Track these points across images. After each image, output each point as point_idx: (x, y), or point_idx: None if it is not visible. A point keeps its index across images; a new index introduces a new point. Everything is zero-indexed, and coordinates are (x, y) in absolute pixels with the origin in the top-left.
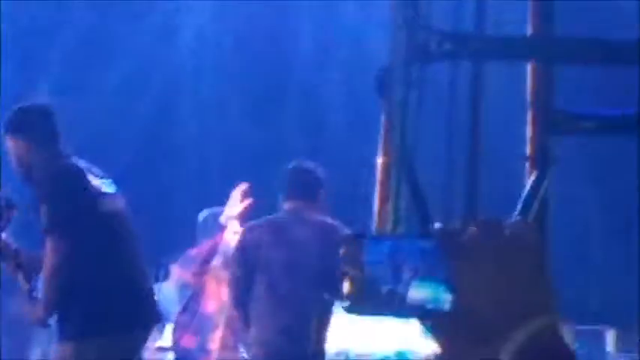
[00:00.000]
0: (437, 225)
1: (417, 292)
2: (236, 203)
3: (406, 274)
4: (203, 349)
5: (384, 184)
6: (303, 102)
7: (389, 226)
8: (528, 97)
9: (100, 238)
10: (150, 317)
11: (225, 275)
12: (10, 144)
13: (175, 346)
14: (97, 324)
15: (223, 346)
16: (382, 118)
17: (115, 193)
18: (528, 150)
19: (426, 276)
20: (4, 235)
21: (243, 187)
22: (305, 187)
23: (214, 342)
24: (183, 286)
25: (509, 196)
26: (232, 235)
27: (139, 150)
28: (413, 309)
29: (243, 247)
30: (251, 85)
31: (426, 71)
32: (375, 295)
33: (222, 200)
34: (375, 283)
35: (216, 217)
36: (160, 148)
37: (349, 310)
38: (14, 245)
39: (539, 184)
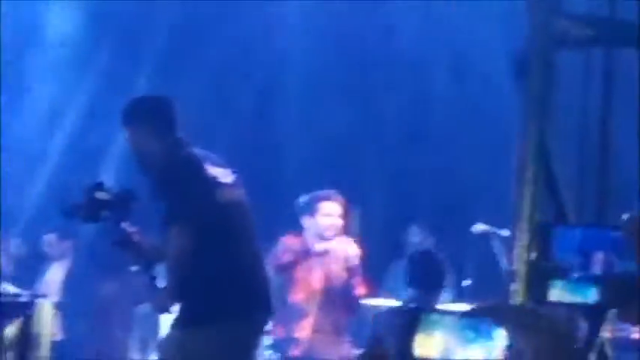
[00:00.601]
0: (625, 216)
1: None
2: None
3: (596, 263)
4: (290, 338)
5: (522, 171)
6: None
7: (525, 214)
8: None
9: (219, 228)
10: (265, 307)
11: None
12: (129, 134)
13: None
14: (213, 312)
15: (315, 332)
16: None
17: (234, 182)
18: None
19: (616, 264)
20: (125, 224)
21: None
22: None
23: (303, 329)
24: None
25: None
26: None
27: (237, 140)
28: (602, 296)
29: None
30: (351, 76)
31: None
32: (564, 282)
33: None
34: (565, 271)
35: (313, 199)
36: (259, 138)
37: (535, 296)
38: (136, 235)
39: None
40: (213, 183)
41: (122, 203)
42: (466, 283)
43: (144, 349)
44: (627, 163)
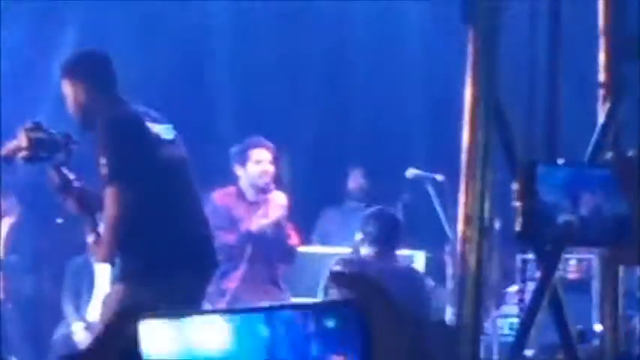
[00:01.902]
0: (611, 154)
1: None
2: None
3: (585, 205)
4: (219, 290)
5: (474, 115)
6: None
7: (478, 156)
8: (600, 24)
9: (160, 186)
10: (207, 263)
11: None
12: (68, 88)
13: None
14: (155, 266)
15: (245, 282)
16: (469, 48)
17: (174, 139)
18: (602, 77)
19: (606, 205)
20: (65, 169)
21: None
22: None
23: (232, 281)
24: None
25: (587, 125)
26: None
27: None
28: (592, 239)
29: None
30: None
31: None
32: (549, 224)
33: None
34: (551, 213)
35: (243, 148)
36: None
37: (520, 238)
38: (76, 182)
39: (615, 112)
40: (154, 140)
41: (61, 145)
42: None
43: (77, 302)
44: (575, 107)
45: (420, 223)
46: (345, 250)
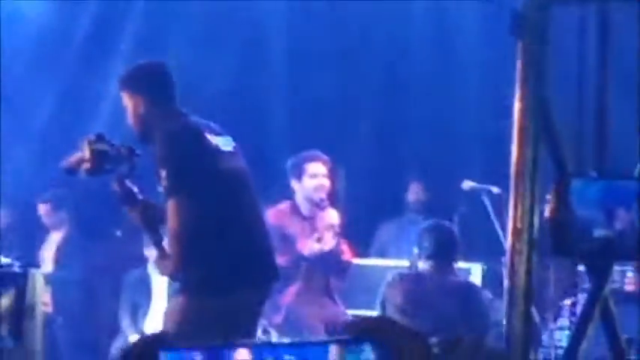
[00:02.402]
0: None
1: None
2: None
3: (621, 219)
4: (274, 305)
5: (522, 129)
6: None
7: (527, 170)
8: None
9: (221, 198)
10: (270, 275)
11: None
12: (127, 100)
13: None
14: (218, 281)
15: (300, 296)
16: (518, 63)
17: (234, 151)
18: None
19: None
20: (129, 182)
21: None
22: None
23: (287, 296)
24: None
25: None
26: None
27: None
28: (629, 253)
29: None
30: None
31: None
32: (585, 239)
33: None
34: (587, 227)
35: (298, 161)
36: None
37: (555, 252)
38: (140, 194)
39: None
40: (215, 152)
41: (125, 157)
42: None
43: (134, 315)
44: (625, 121)
45: (477, 236)
46: (401, 263)
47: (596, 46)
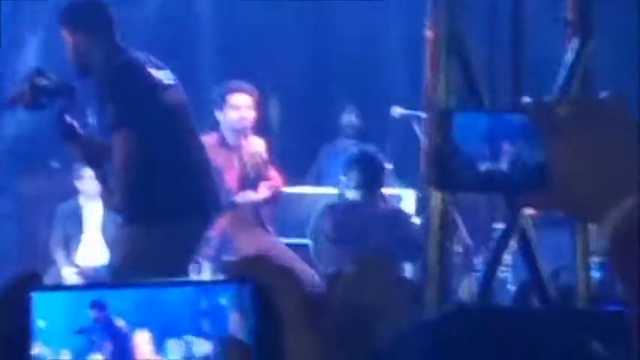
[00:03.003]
0: (528, 99)
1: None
2: None
3: (506, 152)
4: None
5: (435, 57)
6: None
7: (441, 98)
8: None
9: (165, 131)
10: (213, 204)
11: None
12: (67, 37)
13: None
14: (165, 210)
15: (232, 226)
16: None
17: (175, 84)
18: (569, 15)
19: (526, 152)
20: (68, 117)
21: None
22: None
23: (218, 226)
24: None
25: (552, 64)
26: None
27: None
28: (512, 186)
29: None
30: None
31: None
32: (470, 172)
33: None
34: (471, 161)
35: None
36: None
37: (439, 186)
38: (83, 131)
39: (582, 51)
40: (157, 85)
41: (64, 92)
42: (389, 166)
43: (67, 247)
44: (542, 37)
45: (410, 162)
46: (331, 191)
47: None
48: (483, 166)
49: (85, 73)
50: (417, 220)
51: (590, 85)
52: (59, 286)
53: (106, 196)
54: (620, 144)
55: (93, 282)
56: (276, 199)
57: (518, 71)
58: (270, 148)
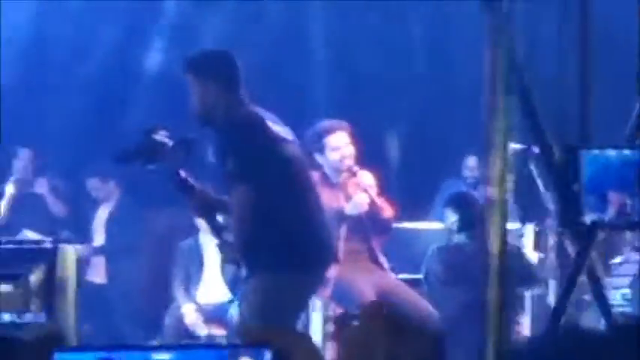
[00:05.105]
0: None
1: None
2: None
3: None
4: None
5: (493, 98)
6: None
7: (499, 139)
8: None
9: (284, 185)
10: (330, 256)
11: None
12: (195, 86)
13: None
14: (284, 263)
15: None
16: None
17: (293, 139)
18: None
19: None
20: (183, 172)
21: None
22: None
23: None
24: None
25: (620, 114)
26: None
27: None
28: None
29: None
30: None
31: None
32: (600, 209)
33: None
34: (602, 197)
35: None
36: None
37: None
38: (197, 184)
39: None
40: (277, 140)
41: (181, 148)
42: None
43: (187, 283)
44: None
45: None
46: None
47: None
48: (613, 205)
49: (206, 122)
50: (534, 255)
51: None
52: (82, 347)
53: (223, 247)
54: None
55: (118, 343)
56: (388, 230)
57: (587, 115)
58: (383, 181)
